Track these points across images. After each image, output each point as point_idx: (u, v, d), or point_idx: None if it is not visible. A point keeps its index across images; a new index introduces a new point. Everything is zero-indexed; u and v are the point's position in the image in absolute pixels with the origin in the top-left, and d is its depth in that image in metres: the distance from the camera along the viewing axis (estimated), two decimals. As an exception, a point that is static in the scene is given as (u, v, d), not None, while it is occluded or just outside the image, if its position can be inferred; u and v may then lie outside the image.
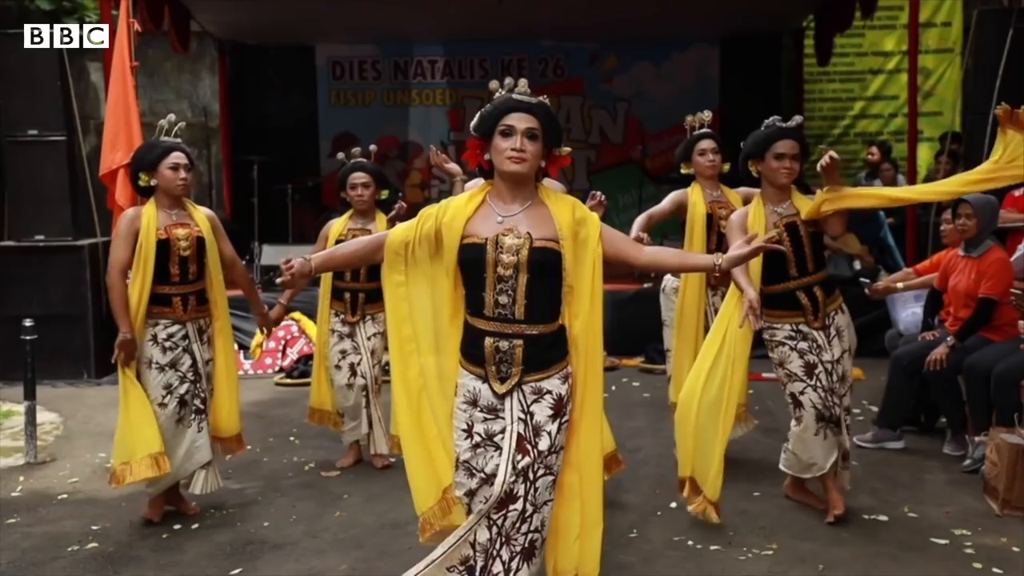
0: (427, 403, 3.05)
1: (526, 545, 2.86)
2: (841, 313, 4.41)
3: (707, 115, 5.32)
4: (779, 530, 4.35)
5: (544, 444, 2.86)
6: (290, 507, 4.81)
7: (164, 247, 4.41)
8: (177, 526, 4.55)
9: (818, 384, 4.34)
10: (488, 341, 2.88)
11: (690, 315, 5.21)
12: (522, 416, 2.87)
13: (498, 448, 2.86)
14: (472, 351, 2.93)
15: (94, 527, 4.56)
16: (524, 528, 2.85)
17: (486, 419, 2.89)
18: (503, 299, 2.87)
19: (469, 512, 2.91)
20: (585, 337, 2.93)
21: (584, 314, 2.92)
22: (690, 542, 4.23)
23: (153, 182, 4.44)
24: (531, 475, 2.85)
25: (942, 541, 4.22)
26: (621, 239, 3.02)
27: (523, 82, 2.92)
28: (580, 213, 2.94)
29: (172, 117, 4.62)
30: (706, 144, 5.22)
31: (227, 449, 4.79)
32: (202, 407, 4.52)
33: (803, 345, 4.37)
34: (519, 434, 2.85)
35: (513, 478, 2.82)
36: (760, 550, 4.13)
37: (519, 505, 2.84)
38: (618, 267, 3.05)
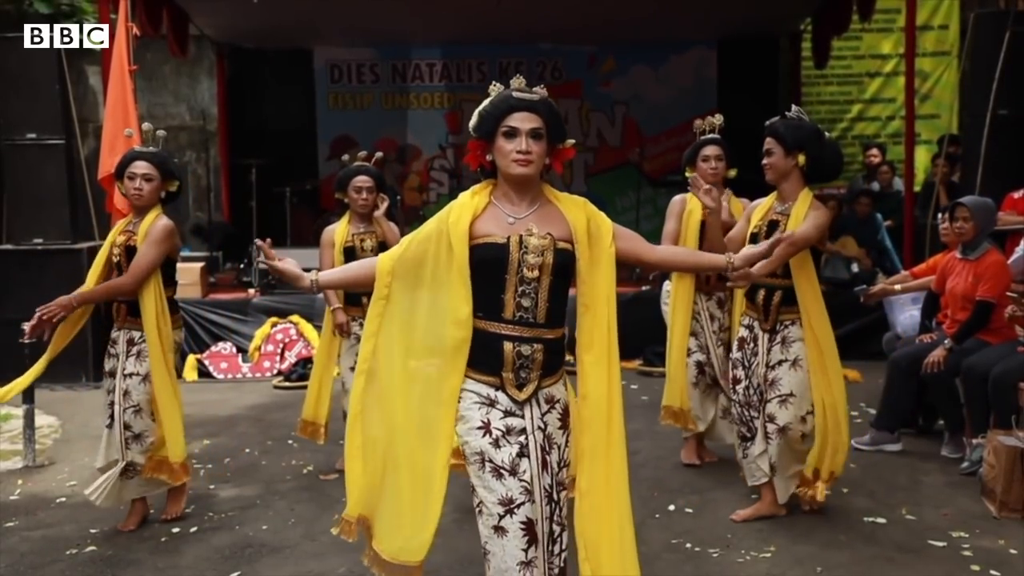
0: (390, 459, 2.88)
1: (562, 565, 2.79)
2: (799, 327, 4.30)
3: (719, 119, 5.14)
4: (777, 533, 4.36)
5: (555, 458, 2.81)
6: (288, 510, 4.82)
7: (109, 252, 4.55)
8: (175, 529, 4.55)
9: (737, 399, 4.49)
10: (508, 346, 2.75)
11: (680, 322, 5.19)
12: (541, 426, 2.80)
13: (522, 448, 2.74)
14: (484, 357, 2.78)
15: (92, 530, 4.57)
16: (556, 549, 2.77)
17: (505, 415, 2.77)
18: (525, 302, 2.75)
19: (498, 528, 2.68)
20: (602, 338, 2.81)
21: (600, 316, 2.81)
22: (688, 544, 4.23)
23: (123, 190, 4.51)
24: (555, 495, 2.78)
25: (940, 543, 4.22)
26: (632, 236, 2.95)
27: (520, 80, 2.84)
28: (590, 212, 2.86)
29: (148, 125, 4.65)
30: (710, 150, 5.05)
31: (172, 476, 4.52)
32: (110, 415, 4.47)
33: (737, 356, 4.48)
34: (540, 446, 2.78)
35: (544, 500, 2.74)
36: (758, 552, 4.14)
37: (547, 527, 2.75)
38: (630, 264, 2.99)
